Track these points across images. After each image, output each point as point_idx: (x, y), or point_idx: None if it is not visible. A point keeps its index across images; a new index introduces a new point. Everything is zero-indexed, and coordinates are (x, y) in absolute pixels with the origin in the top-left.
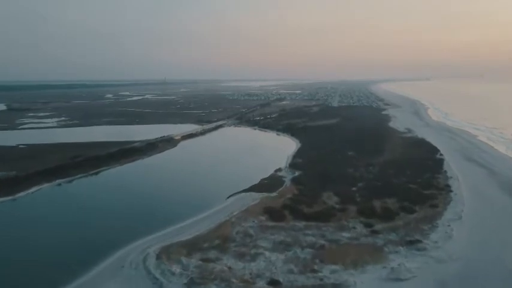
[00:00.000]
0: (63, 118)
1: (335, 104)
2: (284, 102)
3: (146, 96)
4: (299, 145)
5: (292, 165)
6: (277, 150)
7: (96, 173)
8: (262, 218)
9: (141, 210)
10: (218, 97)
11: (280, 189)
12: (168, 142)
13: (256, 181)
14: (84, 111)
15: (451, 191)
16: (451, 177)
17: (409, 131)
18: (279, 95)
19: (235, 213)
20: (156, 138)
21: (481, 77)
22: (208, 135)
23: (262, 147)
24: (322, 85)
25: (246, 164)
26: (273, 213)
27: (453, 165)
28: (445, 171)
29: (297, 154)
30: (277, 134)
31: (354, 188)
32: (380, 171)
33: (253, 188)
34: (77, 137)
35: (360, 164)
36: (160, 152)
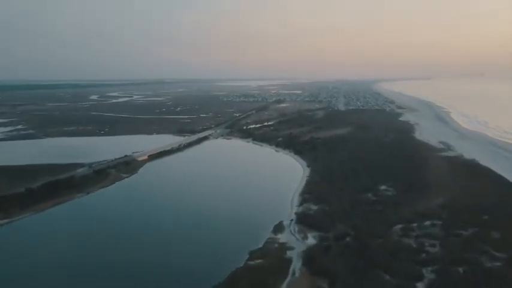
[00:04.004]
0: (19, 126)
1: (341, 106)
2: (284, 105)
3: (134, 97)
4: (307, 172)
5: (302, 218)
6: (277, 180)
7: None
8: None
9: None
10: (211, 98)
11: (284, 285)
12: (127, 166)
13: (240, 259)
14: (50, 117)
15: None
16: None
17: (447, 146)
18: (278, 95)
19: None
20: (112, 161)
21: (481, 76)
22: (186, 153)
23: (256, 176)
24: (323, 84)
25: (227, 213)
26: None
27: None
28: None
29: (306, 191)
30: (276, 151)
31: (419, 285)
32: (447, 233)
33: (234, 283)
34: (11, 156)
35: (406, 213)
36: (107, 185)
